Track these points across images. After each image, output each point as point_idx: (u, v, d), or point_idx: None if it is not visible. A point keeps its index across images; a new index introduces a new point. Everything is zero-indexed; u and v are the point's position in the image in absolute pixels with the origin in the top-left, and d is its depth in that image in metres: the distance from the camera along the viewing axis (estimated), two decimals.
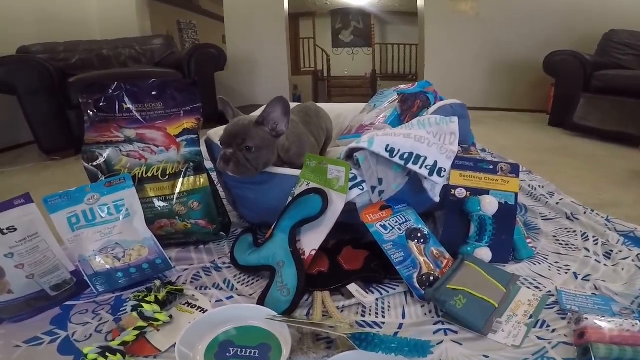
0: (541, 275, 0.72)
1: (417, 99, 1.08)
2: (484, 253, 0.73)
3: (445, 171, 0.74)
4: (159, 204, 0.81)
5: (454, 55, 2.77)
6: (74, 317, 0.66)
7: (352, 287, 0.67)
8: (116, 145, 0.81)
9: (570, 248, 0.82)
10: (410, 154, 0.73)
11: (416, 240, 0.72)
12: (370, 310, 0.64)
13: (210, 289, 0.71)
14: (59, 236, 0.71)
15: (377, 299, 0.66)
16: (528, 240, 0.80)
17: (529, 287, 0.68)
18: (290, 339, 0.52)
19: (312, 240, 0.70)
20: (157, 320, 0.61)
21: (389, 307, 0.65)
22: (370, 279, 0.70)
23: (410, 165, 0.72)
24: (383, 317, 0.62)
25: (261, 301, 0.64)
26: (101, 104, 0.81)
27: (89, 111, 0.81)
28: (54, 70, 1.86)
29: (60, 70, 1.93)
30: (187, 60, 2.20)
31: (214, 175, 0.93)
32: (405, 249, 0.70)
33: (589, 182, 1.26)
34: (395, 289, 0.68)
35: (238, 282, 0.74)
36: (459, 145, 0.88)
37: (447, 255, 0.73)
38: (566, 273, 0.73)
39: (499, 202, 0.77)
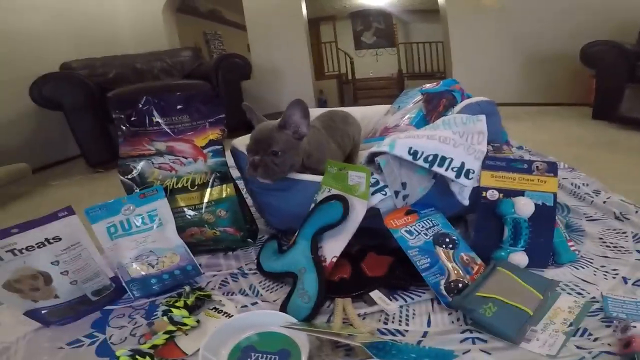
0: (585, 281, 0.66)
1: (442, 97, 1.04)
2: (520, 258, 0.69)
3: (474, 172, 0.70)
4: (189, 213, 0.84)
5: (482, 50, 2.63)
6: (112, 321, 0.70)
7: (375, 294, 0.65)
8: (148, 158, 0.85)
9: (620, 250, 0.74)
10: (435, 155, 0.70)
11: (444, 246, 0.69)
12: (393, 318, 0.62)
13: (236, 295, 0.73)
14: (99, 245, 0.75)
15: (401, 306, 0.64)
16: (570, 243, 0.74)
17: (569, 293, 0.63)
18: (308, 346, 0.51)
19: (333, 247, 0.69)
20: (185, 324, 0.63)
21: (413, 314, 0.62)
22: (395, 286, 0.68)
23: (435, 168, 0.70)
24: (407, 324, 0.60)
25: (284, 307, 0.64)
26: (133, 118, 0.86)
27: (122, 126, 0.86)
28: (93, 85, 1.99)
29: (99, 86, 2.07)
30: (215, 70, 2.28)
31: (241, 183, 0.95)
32: (432, 254, 0.67)
33: None
34: (421, 296, 0.66)
35: (263, 288, 0.74)
36: (489, 144, 0.84)
37: (479, 261, 0.69)
38: (614, 278, 0.66)
39: (536, 204, 0.72)
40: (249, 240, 0.90)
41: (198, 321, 0.65)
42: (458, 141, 0.72)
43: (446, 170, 0.69)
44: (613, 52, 1.93)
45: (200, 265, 0.84)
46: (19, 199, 1.60)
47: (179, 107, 0.87)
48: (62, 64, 2.25)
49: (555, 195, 0.73)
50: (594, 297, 0.61)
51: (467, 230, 0.84)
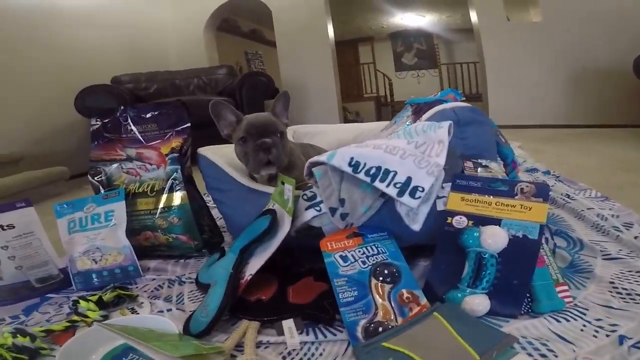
0: (561, 338, 0.45)
1: (431, 108, 0.87)
2: (478, 302, 0.50)
3: (422, 191, 0.54)
4: (145, 217, 0.81)
5: (521, 69, 2.28)
6: (43, 307, 0.68)
7: (287, 323, 0.52)
8: (119, 163, 0.85)
9: (633, 300, 0.51)
10: (378, 168, 0.56)
11: (381, 279, 0.53)
12: (295, 355, 0.48)
13: (159, 300, 0.65)
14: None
15: (311, 343, 0.50)
16: (561, 288, 0.52)
17: (530, 354, 0.43)
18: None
19: (253, 265, 0.58)
20: (87, 317, 0.58)
21: (320, 354, 0.47)
22: (315, 318, 0.54)
23: (377, 183, 0.55)
24: None
25: (189, 319, 0.55)
26: (109, 125, 0.87)
27: (96, 133, 0.87)
28: (129, 98, 2.09)
29: (142, 99, 2.18)
30: (239, 88, 2.30)
31: (208, 198, 0.89)
32: (362, 287, 0.52)
33: None
34: (336, 335, 0.50)
35: (189, 298, 0.66)
36: (469, 159, 0.67)
37: (423, 301, 0.51)
38: (607, 336, 0.45)
39: (514, 236, 0.53)
40: (204, 250, 0.82)
41: (105, 316, 0.60)
42: (408, 151, 0.57)
43: (387, 186, 0.54)
44: None
45: (148, 268, 0.79)
46: (54, 198, 1.71)
47: (149, 115, 0.86)
48: (113, 78, 2.42)
49: (542, 226, 0.53)
50: None
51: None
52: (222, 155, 0.83)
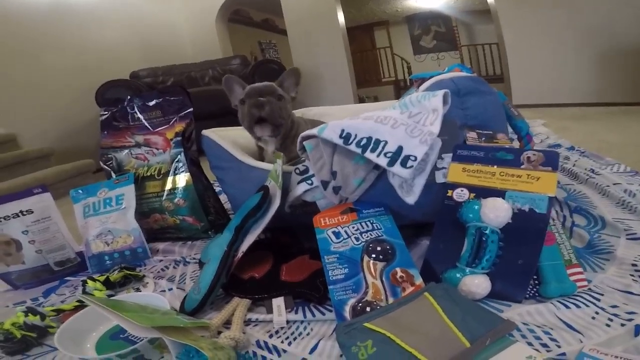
0: (569, 326, 0.39)
1: None
2: (478, 283, 0.45)
3: (415, 160, 0.48)
4: (153, 199, 0.82)
5: (546, 48, 2.06)
6: (60, 289, 0.70)
7: (277, 301, 0.50)
8: (128, 149, 0.86)
9: None
10: (369, 138, 0.51)
11: (373, 256, 0.49)
12: (282, 333, 0.46)
13: (163, 280, 0.65)
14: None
15: (300, 322, 0.47)
16: (574, 270, 0.46)
17: (530, 344, 0.38)
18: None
19: (246, 242, 0.56)
20: (94, 296, 0.59)
21: (307, 334, 0.45)
22: (306, 297, 0.51)
23: (367, 154, 0.51)
24: (289, 344, 0.44)
25: (185, 297, 0.54)
26: (117, 114, 0.88)
27: (105, 122, 0.88)
28: (146, 91, 2.12)
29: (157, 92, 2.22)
30: (251, 76, 2.26)
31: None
32: (353, 265, 0.49)
33: None
34: (324, 315, 0.48)
35: (190, 277, 0.66)
36: (475, 130, 0.61)
37: (418, 281, 0.47)
38: (622, 325, 0.38)
39: (520, 209, 0.47)
40: (210, 232, 0.82)
41: (112, 295, 0.61)
42: (400, 121, 0.51)
43: (378, 156, 0.50)
44: None
45: (157, 250, 0.80)
46: None
47: (154, 102, 0.86)
48: (131, 73, 2.48)
49: (550, 198, 0.47)
50: (563, 354, 0.36)
51: None
52: (224, 136, 0.81)
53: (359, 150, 0.52)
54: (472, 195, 0.51)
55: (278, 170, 0.58)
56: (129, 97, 0.89)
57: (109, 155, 0.86)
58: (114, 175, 0.84)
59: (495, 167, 0.51)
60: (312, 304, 0.50)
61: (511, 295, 0.46)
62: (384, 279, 0.47)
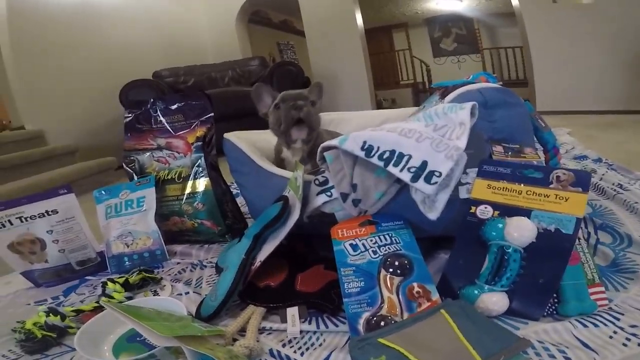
0: (585, 345, 0.39)
1: None
2: (495, 301, 0.44)
3: (439, 176, 0.48)
4: (173, 203, 0.83)
5: (571, 53, 2.00)
6: (80, 289, 0.72)
7: (291, 311, 0.50)
8: (150, 152, 0.87)
9: None
10: (392, 152, 0.51)
11: (390, 270, 0.49)
12: (295, 343, 0.46)
13: (179, 283, 0.66)
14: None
15: (312, 332, 0.47)
16: (596, 289, 0.45)
17: None
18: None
19: (264, 251, 0.57)
20: (113, 298, 0.61)
21: (319, 345, 0.45)
22: (320, 308, 0.51)
23: (390, 168, 0.50)
24: (301, 355, 0.44)
25: (201, 302, 0.55)
26: (140, 117, 0.90)
27: (129, 124, 0.90)
28: (168, 91, 2.18)
29: (180, 92, 2.26)
30: (269, 78, 2.28)
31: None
32: (370, 279, 0.48)
33: None
34: (338, 326, 0.47)
35: (207, 282, 0.66)
36: (501, 144, 0.60)
37: (434, 297, 0.46)
38: (639, 345, 0.37)
39: (545, 229, 0.46)
40: (227, 236, 0.83)
41: (130, 297, 0.62)
42: (425, 134, 0.51)
43: (401, 170, 0.49)
44: None
45: (175, 253, 0.81)
46: (105, 186, 1.84)
47: (176, 106, 0.88)
48: (154, 73, 2.52)
49: (579, 220, 0.45)
50: None
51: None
52: (246, 140, 0.82)
53: (381, 164, 0.51)
54: (496, 213, 0.50)
55: (299, 180, 0.58)
56: (152, 99, 0.90)
57: (132, 158, 0.88)
58: (135, 178, 0.86)
59: (522, 185, 0.49)
60: (325, 315, 0.50)
61: (529, 313, 0.45)
62: (400, 293, 0.47)
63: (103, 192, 0.85)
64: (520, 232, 0.45)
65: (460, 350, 0.36)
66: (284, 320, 0.49)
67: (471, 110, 0.53)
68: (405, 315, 0.44)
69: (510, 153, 0.58)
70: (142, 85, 2.21)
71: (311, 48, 2.95)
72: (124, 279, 0.65)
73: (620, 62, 1.89)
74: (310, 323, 0.49)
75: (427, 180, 0.48)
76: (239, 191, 0.91)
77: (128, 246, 0.77)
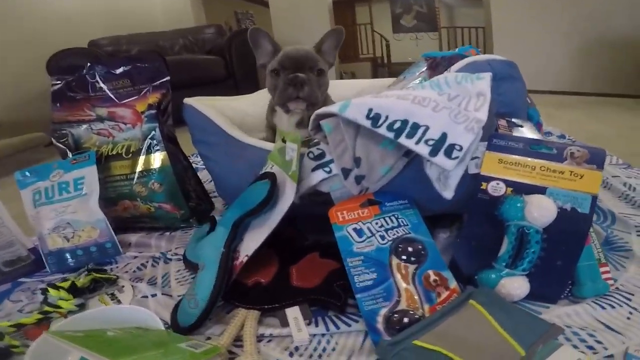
0: (608, 327, 0.39)
1: (451, 62, 0.75)
2: (516, 285, 0.42)
3: (460, 150, 0.42)
4: (121, 183, 0.69)
5: (533, 35, 2.10)
6: (14, 294, 0.57)
7: (292, 312, 0.43)
8: (88, 124, 0.71)
9: None
10: (404, 122, 0.44)
11: (404, 257, 0.44)
12: (304, 350, 0.39)
13: (142, 282, 0.55)
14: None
15: (321, 335, 0.41)
16: (604, 269, 0.44)
17: (576, 347, 0.36)
18: None
19: (250, 242, 0.47)
20: (60, 307, 0.49)
21: (332, 349, 0.39)
22: (323, 305, 0.45)
23: (402, 140, 0.44)
24: None
25: (176, 308, 0.45)
26: (73, 84, 0.72)
27: (58, 93, 0.73)
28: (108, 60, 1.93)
29: None
30: (228, 46, 2.08)
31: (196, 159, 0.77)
32: (382, 268, 0.43)
33: None
34: (350, 326, 0.42)
35: (176, 279, 0.56)
36: (503, 118, 0.56)
37: (452, 285, 0.43)
38: None
39: (562, 208, 0.43)
40: (192, 220, 0.71)
41: (82, 305, 0.50)
42: (442, 104, 0.45)
43: (417, 143, 0.43)
44: None
45: (129, 244, 0.68)
46: (33, 164, 1.59)
47: (121, 70, 0.72)
48: (90, 42, 2.20)
49: (595, 197, 0.44)
50: (611, 356, 0.35)
51: (458, 236, 0.57)
52: (211, 106, 0.70)
53: (390, 135, 0.44)
54: (509, 189, 0.46)
55: (290, 153, 0.49)
56: (88, 63, 0.73)
57: (64, 131, 0.71)
58: (70, 154, 0.69)
59: (536, 160, 0.46)
60: (332, 313, 0.44)
61: (548, 296, 0.43)
62: (416, 283, 0.42)
63: (27, 173, 0.67)
64: (541, 212, 0.42)
65: (502, 344, 0.33)
66: (283, 323, 0.42)
67: (490, 81, 0.47)
68: (426, 307, 0.40)
69: (513, 128, 0.55)
70: (76, 54, 1.87)
71: (276, 19, 2.75)
72: (69, 282, 0.52)
73: (575, 46, 2.03)
74: (317, 325, 0.42)
75: (448, 154, 0.42)
76: (201, 166, 0.79)
77: (68, 240, 0.62)
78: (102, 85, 0.72)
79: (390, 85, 0.99)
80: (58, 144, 0.71)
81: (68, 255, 0.62)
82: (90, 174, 0.65)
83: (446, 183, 0.45)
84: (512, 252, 0.43)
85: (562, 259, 0.43)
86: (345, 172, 0.48)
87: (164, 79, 0.71)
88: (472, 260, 0.46)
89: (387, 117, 0.45)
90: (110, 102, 0.71)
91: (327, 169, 0.49)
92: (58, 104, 0.72)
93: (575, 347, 0.36)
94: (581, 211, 0.43)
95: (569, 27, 2.04)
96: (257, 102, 0.84)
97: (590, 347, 0.36)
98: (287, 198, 0.47)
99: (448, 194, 0.45)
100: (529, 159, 0.47)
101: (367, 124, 0.45)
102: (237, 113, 0.76)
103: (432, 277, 0.43)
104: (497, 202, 0.46)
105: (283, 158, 0.52)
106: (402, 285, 0.41)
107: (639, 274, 0.47)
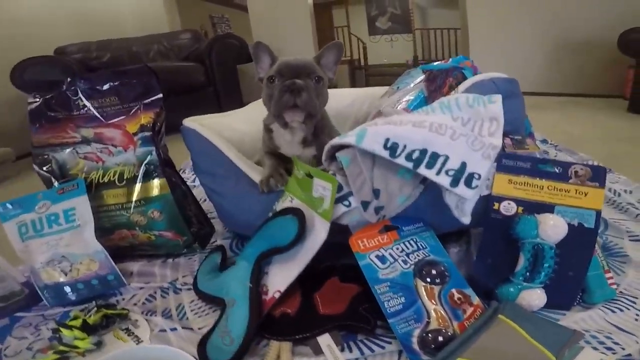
0: (620, 329, 0.44)
1: (448, 76, 0.79)
2: (535, 297, 0.46)
3: (479, 178, 0.46)
4: (116, 212, 0.66)
5: (506, 36, 2.24)
6: (16, 330, 0.55)
7: (324, 340, 0.44)
8: (72, 147, 0.67)
9: None
10: (423, 151, 0.47)
11: (428, 280, 0.46)
12: None
13: (157, 316, 0.54)
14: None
15: None
16: (608, 275, 0.50)
17: (595, 348, 0.41)
18: None
19: (279, 278, 0.48)
20: (76, 347, 0.48)
21: None
22: (353, 329, 0.46)
23: (422, 170, 0.46)
24: None
25: (203, 343, 0.45)
26: (53, 102, 0.68)
27: (36, 112, 0.68)
28: (78, 69, 1.82)
29: (94, 69, 1.91)
30: (208, 52, 2.03)
31: (188, 175, 0.75)
32: (409, 292, 0.45)
33: None
34: (384, 348, 0.44)
35: (192, 310, 0.55)
36: (507, 136, 0.60)
37: (475, 301, 0.46)
38: None
39: (569, 224, 0.48)
40: (195, 245, 0.70)
41: (99, 343, 0.49)
42: (459, 130, 0.48)
43: (438, 173, 0.46)
44: None
45: (131, 273, 0.66)
46: (0, 182, 1.49)
47: (108, 86, 0.68)
48: (56, 48, 2.09)
49: (599, 213, 0.49)
50: (629, 355, 0.40)
51: (468, 250, 0.61)
52: (214, 129, 0.68)
53: (409, 165, 0.46)
54: (520, 208, 0.50)
55: (324, 194, 0.48)
56: (69, 78, 0.68)
57: (46, 156, 0.66)
58: (56, 183, 0.66)
59: (543, 180, 0.50)
60: (360, 337, 0.46)
61: (562, 304, 0.48)
62: (443, 302, 0.45)
63: (9, 205, 0.63)
64: (554, 230, 0.46)
65: (536, 353, 0.37)
66: (316, 351, 0.43)
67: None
68: (455, 324, 0.43)
69: (515, 146, 0.59)
70: (42, 63, 1.75)
71: (254, 22, 2.69)
72: (79, 320, 0.50)
73: (547, 48, 2.16)
74: (350, 350, 0.44)
75: (468, 184, 0.45)
76: (196, 183, 0.76)
77: (66, 274, 0.60)
78: (85, 102, 0.68)
79: (383, 95, 1.02)
80: (41, 172, 0.67)
81: (68, 289, 0.60)
82: (81, 205, 0.62)
83: (463, 209, 0.48)
84: (528, 267, 0.47)
85: (573, 270, 0.48)
86: (365, 205, 0.49)
87: (156, 96, 0.68)
88: (490, 277, 0.50)
89: (405, 147, 0.47)
90: (96, 121, 0.68)
91: (346, 202, 0.50)
92: (37, 125, 0.68)
93: (595, 349, 0.41)
94: (587, 226, 0.48)
95: (539, 30, 2.19)
96: (250, 117, 0.82)
97: (609, 348, 0.41)
98: (319, 236, 0.48)
99: (466, 220, 0.48)
100: (537, 179, 0.51)
101: (385, 154, 0.47)
102: (234, 133, 0.75)
103: (456, 295, 0.46)
104: (510, 221, 0.49)
105: (307, 193, 0.52)
106: (430, 306, 0.44)
107: (638, 279, 0.53)
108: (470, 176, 0.45)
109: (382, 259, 0.48)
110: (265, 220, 0.53)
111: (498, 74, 0.62)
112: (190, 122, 0.68)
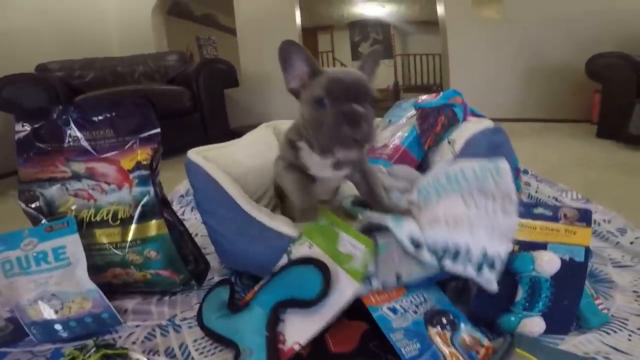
0: (617, 350, 0.50)
1: (440, 114, 0.85)
2: (535, 324, 0.51)
3: (500, 258, 0.49)
4: (109, 251, 0.64)
5: (482, 63, 2.43)
6: None
7: None
8: (62, 183, 0.65)
9: None
10: (444, 249, 0.50)
11: (439, 327, 0.49)
12: None
13: (160, 355, 0.53)
14: None
15: None
16: (598, 302, 0.56)
17: None
18: None
19: (299, 330, 0.48)
20: None
21: None
22: None
23: (447, 263, 0.49)
24: None
25: None
26: (42, 131, 0.66)
27: (24, 142, 0.66)
28: (61, 89, 1.78)
29: (76, 89, 1.87)
30: (196, 76, 2.04)
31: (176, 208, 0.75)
32: (422, 338, 0.48)
33: None
34: None
35: (197, 350, 0.54)
36: None
37: (485, 342, 0.49)
38: None
39: (562, 259, 0.53)
40: (192, 282, 0.69)
41: None
42: (475, 221, 0.50)
43: (464, 268, 0.49)
44: (622, 65, 1.72)
45: (126, 310, 0.64)
46: None
47: (102, 117, 0.67)
48: (38, 65, 2.04)
49: (587, 248, 0.54)
50: None
51: (466, 283, 0.64)
52: (219, 162, 0.68)
53: (433, 260, 0.49)
54: (516, 247, 0.54)
55: (352, 251, 0.49)
56: (60, 106, 0.67)
57: (32, 192, 0.64)
58: (44, 221, 0.64)
59: (536, 222, 0.55)
60: None
61: (560, 330, 0.53)
62: (456, 346, 0.47)
63: None
64: (550, 264, 0.52)
65: None
66: None
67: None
68: None
69: None
70: (22, 81, 1.70)
71: (242, 46, 2.73)
72: None
73: (518, 74, 2.34)
74: None
75: (491, 266, 0.48)
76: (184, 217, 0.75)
77: (57, 312, 0.58)
78: (77, 133, 0.67)
79: (381, 130, 1.07)
80: (28, 209, 0.64)
81: (59, 327, 0.58)
82: (72, 243, 0.61)
83: (488, 284, 0.49)
84: (527, 297, 0.52)
85: (568, 299, 0.53)
86: (385, 284, 0.52)
87: (154, 131, 0.67)
88: (490, 309, 0.54)
89: (427, 243, 0.50)
90: (87, 155, 0.66)
91: (367, 282, 0.50)
92: (25, 157, 0.65)
93: None
94: (577, 260, 0.53)
95: (512, 57, 2.36)
96: (253, 151, 0.83)
97: None
98: (345, 293, 0.48)
99: (494, 287, 0.49)
100: (531, 220, 0.56)
101: (411, 248, 0.50)
102: (237, 167, 0.74)
103: (467, 339, 0.49)
104: (508, 258, 0.53)
105: (331, 245, 0.52)
106: (445, 350, 0.47)
107: (626, 301, 0.59)
108: (492, 261, 0.48)
109: (393, 310, 0.51)
110: (282, 268, 0.53)
111: (485, 124, 0.67)
112: (194, 155, 0.67)
